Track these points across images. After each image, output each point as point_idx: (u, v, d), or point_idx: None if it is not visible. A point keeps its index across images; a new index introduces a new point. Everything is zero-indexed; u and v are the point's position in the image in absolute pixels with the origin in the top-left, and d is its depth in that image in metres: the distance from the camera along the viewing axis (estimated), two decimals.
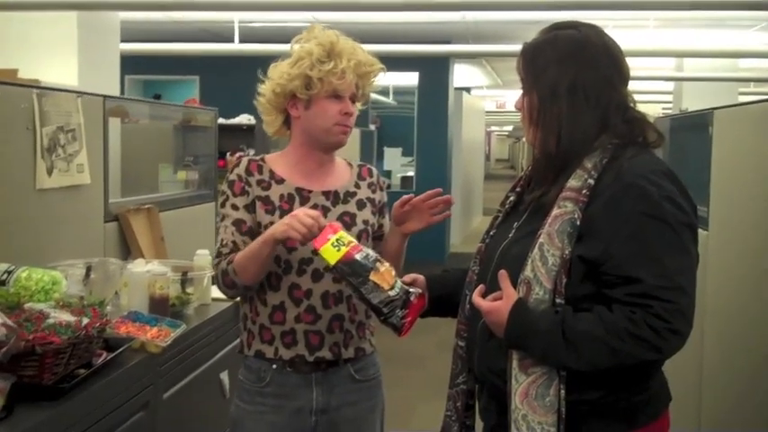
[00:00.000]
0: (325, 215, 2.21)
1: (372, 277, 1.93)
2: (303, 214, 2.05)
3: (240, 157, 6.03)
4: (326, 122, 2.21)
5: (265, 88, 2.26)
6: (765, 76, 10.68)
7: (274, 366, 2.23)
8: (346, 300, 2.23)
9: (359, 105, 2.32)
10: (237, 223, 2.22)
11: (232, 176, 2.26)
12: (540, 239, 1.66)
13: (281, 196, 2.24)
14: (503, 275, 1.70)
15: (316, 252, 2.02)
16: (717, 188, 3.34)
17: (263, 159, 2.30)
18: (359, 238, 2.21)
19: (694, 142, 3.69)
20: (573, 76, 1.71)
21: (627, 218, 1.62)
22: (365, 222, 2.27)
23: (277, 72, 2.23)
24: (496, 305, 1.70)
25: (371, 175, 2.38)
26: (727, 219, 3.19)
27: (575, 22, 1.79)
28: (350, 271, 1.95)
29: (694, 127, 3.85)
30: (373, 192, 2.35)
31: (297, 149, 2.29)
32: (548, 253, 1.64)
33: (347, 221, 2.24)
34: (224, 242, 2.22)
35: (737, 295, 3.01)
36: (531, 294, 1.65)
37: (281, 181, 2.25)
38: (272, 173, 2.26)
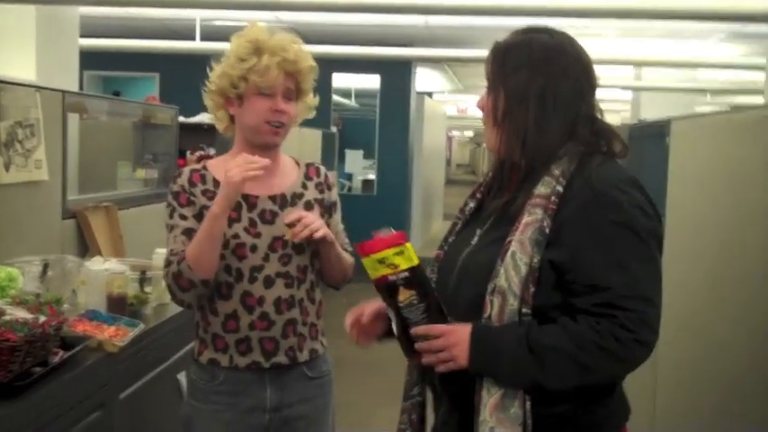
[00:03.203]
0: (273, 219, 2.22)
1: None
2: (234, 165, 2.08)
3: (201, 156, 6.00)
4: (255, 120, 2.20)
5: (208, 87, 2.27)
6: (722, 87, 10.87)
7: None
8: (298, 303, 2.24)
9: (309, 102, 2.31)
10: (188, 232, 2.19)
11: (176, 188, 2.24)
12: (512, 248, 1.62)
13: None
14: None
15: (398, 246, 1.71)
16: (673, 197, 3.39)
17: (204, 167, 2.28)
18: (308, 240, 2.21)
19: (651, 151, 3.74)
20: (544, 83, 1.68)
21: (596, 226, 1.59)
22: (290, 226, 2.25)
23: (214, 71, 2.25)
24: (451, 327, 1.65)
25: (319, 175, 2.37)
26: (682, 227, 3.24)
27: (548, 28, 1.76)
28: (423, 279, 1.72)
29: (652, 136, 3.90)
30: (321, 192, 2.34)
31: (239, 148, 2.28)
32: (520, 261, 1.60)
33: (295, 224, 2.23)
34: (174, 251, 2.18)
35: (692, 303, 3.06)
36: (506, 306, 1.61)
37: None
38: (215, 181, 2.23)
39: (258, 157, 2.11)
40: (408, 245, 1.71)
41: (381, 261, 1.68)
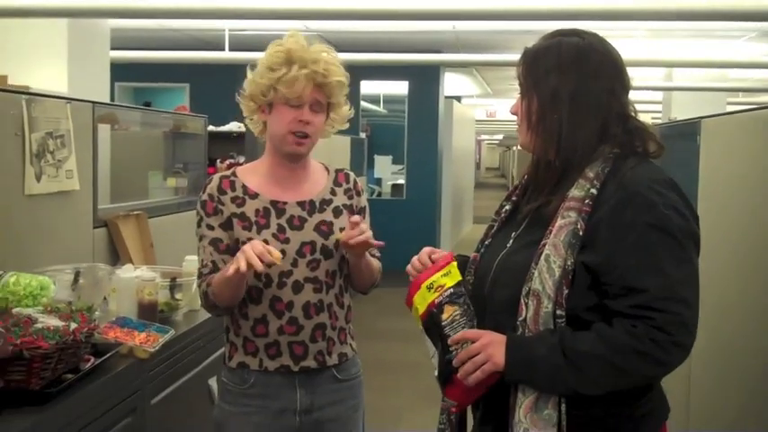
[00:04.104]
0: (302, 225, 2.23)
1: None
2: (249, 247, 2.03)
3: (231, 164, 6.04)
4: (281, 130, 2.21)
5: (243, 91, 2.29)
6: (754, 86, 10.74)
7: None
8: (327, 308, 2.24)
9: (342, 114, 2.31)
10: (214, 242, 2.22)
11: (204, 197, 2.26)
12: (546, 251, 1.62)
13: (257, 211, 2.23)
14: None
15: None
16: (704, 196, 3.36)
17: (234, 174, 2.30)
18: (336, 246, 2.24)
19: (682, 151, 3.71)
20: (575, 84, 1.68)
21: (631, 228, 1.58)
22: (342, 230, 2.25)
23: (248, 77, 2.26)
24: (486, 331, 1.68)
25: (348, 181, 2.37)
26: (714, 227, 3.21)
27: (578, 30, 1.76)
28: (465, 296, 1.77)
29: (682, 136, 3.87)
30: (350, 198, 2.34)
31: (269, 156, 2.30)
32: (554, 264, 1.61)
33: (324, 230, 2.24)
34: (204, 263, 2.23)
35: (724, 302, 3.03)
36: (541, 308, 1.61)
37: (254, 195, 2.25)
38: (244, 188, 2.26)
39: (275, 251, 2.06)
40: (454, 263, 1.76)
41: (430, 287, 1.73)
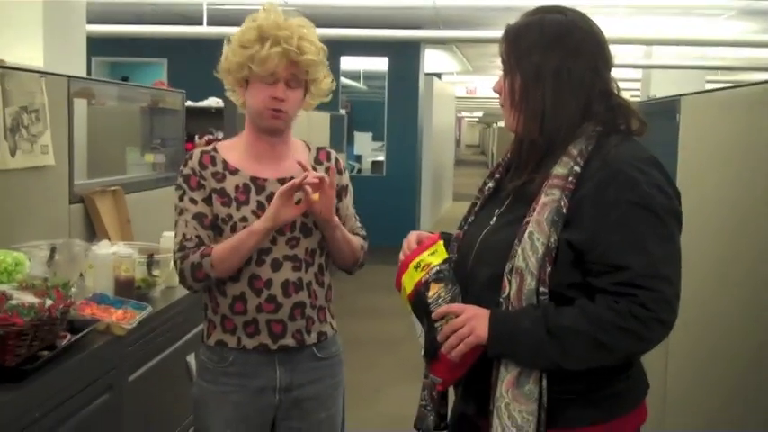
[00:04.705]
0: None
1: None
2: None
3: (210, 140, 6.00)
4: (258, 105, 2.20)
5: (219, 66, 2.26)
6: (732, 64, 10.78)
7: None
8: (306, 286, 2.23)
9: (322, 88, 2.28)
10: (198, 217, 2.20)
11: (186, 170, 2.24)
12: (530, 228, 1.63)
13: (237, 187, 2.22)
14: None
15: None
16: (683, 174, 3.36)
17: (215, 149, 2.28)
18: (316, 224, 2.22)
19: (661, 129, 3.71)
20: (558, 61, 1.68)
21: (614, 206, 1.59)
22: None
23: (223, 52, 2.24)
24: (470, 306, 1.68)
25: (329, 159, 2.36)
26: (693, 205, 3.22)
27: (560, 7, 1.76)
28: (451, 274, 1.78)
29: (661, 114, 3.87)
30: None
31: (248, 130, 2.29)
32: (537, 241, 1.61)
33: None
34: (187, 236, 2.20)
35: (703, 283, 3.04)
36: (524, 285, 1.62)
37: (234, 171, 2.23)
38: (225, 163, 2.24)
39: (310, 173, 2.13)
40: (440, 242, 1.78)
41: (417, 266, 1.74)
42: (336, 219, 2.23)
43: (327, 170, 2.26)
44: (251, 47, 2.15)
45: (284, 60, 2.15)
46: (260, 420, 2.25)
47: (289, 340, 2.22)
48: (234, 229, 2.18)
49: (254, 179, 2.23)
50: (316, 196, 2.13)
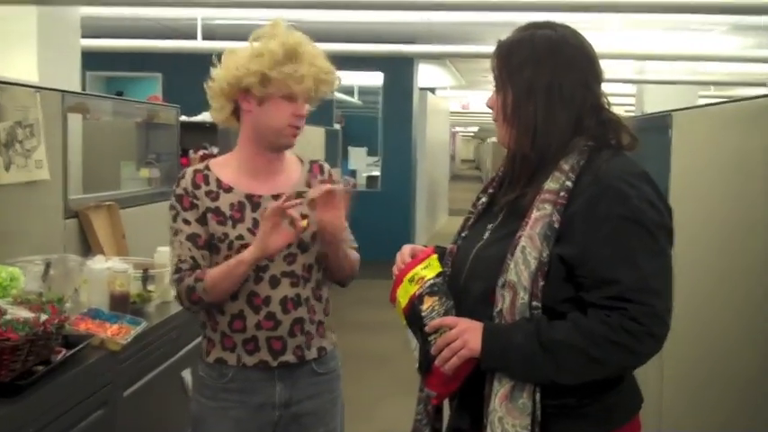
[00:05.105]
0: None
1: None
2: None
3: (204, 155, 6.00)
4: (278, 123, 2.19)
5: (219, 75, 2.21)
6: (725, 79, 10.83)
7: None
8: (305, 302, 2.23)
9: (308, 107, 2.29)
10: (192, 238, 2.20)
11: (179, 191, 2.23)
12: (522, 243, 1.64)
13: (231, 205, 2.21)
14: None
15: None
16: (676, 189, 3.38)
17: (207, 167, 2.27)
18: (313, 239, 2.22)
19: (654, 144, 3.73)
20: (550, 76, 1.69)
21: (605, 220, 1.60)
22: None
23: (233, 62, 2.18)
24: (464, 318, 1.69)
25: (322, 172, 2.36)
26: (685, 220, 3.23)
27: (551, 23, 1.77)
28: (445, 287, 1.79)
29: (654, 129, 3.89)
30: None
31: (245, 146, 2.26)
32: (530, 256, 1.62)
33: None
34: (182, 258, 2.19)
35: (696, 297, 3.05)
36: (516, 300, 1.63)
37: (229, 189, 2.23)
38: (218, 182, 2.23)
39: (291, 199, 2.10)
40: (434, 256, 1.79)
41: (411, 280, 1.74)
42: (345, 234, 2.24)
43: (321, 183, 2.28)
44: (287, 64, 2.14)
45: (313, 80, 2.18)
46: None
47: (289, 357, 2.22)
48: (230, 248, 2.17)
49: (248, 196, 2.22)
50: (304, 223, 2.12)
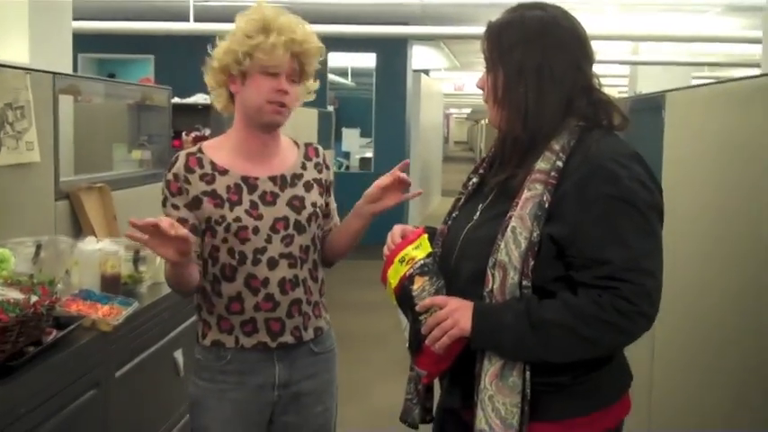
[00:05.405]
0: (274, 200, 2.20)
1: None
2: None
3: (197, 137, 5.99)
4: (258, 99, 2.16)
5: (209, 63, 2.22)
6: (719, 60, 10.82)
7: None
8: (302, 283, 2.23)
9: (310, 85, 2.28)
10: (180, 223, 2.16)
11: (169, 176, 2.21)
12: (512, 223, 1.64)
13: (228, 188, 2.19)
14: None
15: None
16: (669, 170, 3.37)
17: (200, 150, 2.24)
18: (309, 220, 2.22)
19: (648, 124, 3.72)
20: (540, 57, 1.69)
21: (595, 200, 1.60)
22: (314, 205, 2.25)
23: (219, 47, 2.20)
24: (454, 298, 1.70)
25: (317, 155, 2.35)
26: (678, 201, 3.23)
27: (542, 3, 1.77)
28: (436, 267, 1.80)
29: (647, 109, 3.88)
30: (319, 172, 2.32)
31: (239, 129, 2.25)
32: (520, 236, 1.62)
33: (296, 205, 2.22)
34: None
35: (688, 279, 3.05)
36: (507, 279, 1.63)
37: (224, 172, 2.20)
38: (213, 164, 2.21)
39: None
40: (425, 236, 1.80)
41: (402, 260, 1.75)
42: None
43: (316, 166, 2.29)
44: (256, 36, 2.12)
45: (288, 51, 2.14)
46: (258, 417, 2.25)
47: (288, 337, 2.22)
48: (228, 230, 2.16)
49: (245, 178, 2.21)
50: (173, 231, 1.95)
